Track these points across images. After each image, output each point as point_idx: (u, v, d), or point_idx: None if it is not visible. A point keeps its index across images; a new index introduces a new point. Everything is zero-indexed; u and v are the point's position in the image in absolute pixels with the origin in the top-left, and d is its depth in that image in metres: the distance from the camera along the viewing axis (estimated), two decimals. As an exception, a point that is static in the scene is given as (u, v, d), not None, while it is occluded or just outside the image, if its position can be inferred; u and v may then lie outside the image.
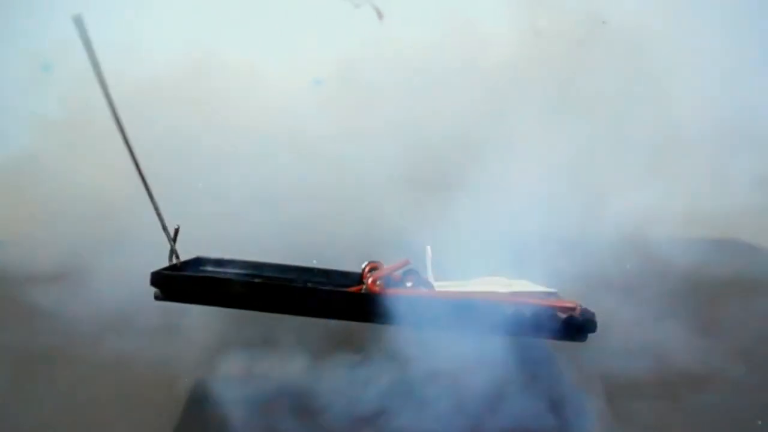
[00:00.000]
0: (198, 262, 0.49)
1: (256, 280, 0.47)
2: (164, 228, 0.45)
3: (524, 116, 0.65)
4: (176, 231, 0.45)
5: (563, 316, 0.46)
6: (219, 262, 0.50)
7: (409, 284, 0.47)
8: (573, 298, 0.46)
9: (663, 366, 0.47)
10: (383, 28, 0.70)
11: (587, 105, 0.68)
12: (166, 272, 0.45)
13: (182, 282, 0.44)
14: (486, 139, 0.65)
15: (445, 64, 0.70)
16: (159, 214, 0.43)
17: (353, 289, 0.47)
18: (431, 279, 0.48)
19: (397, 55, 0.69)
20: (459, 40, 0.70)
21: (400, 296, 0.44)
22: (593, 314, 0.46)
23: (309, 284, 0.49)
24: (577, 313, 0.46)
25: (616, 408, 0.42)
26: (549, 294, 0.48)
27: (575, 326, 0.46)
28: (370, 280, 0.45)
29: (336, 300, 0.45)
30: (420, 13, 0.70)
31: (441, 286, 0.48)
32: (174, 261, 0.46)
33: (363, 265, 0.48)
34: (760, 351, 0.49)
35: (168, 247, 0.46)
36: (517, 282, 0.50)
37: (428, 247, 0.47)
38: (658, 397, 0.45)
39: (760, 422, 0.39)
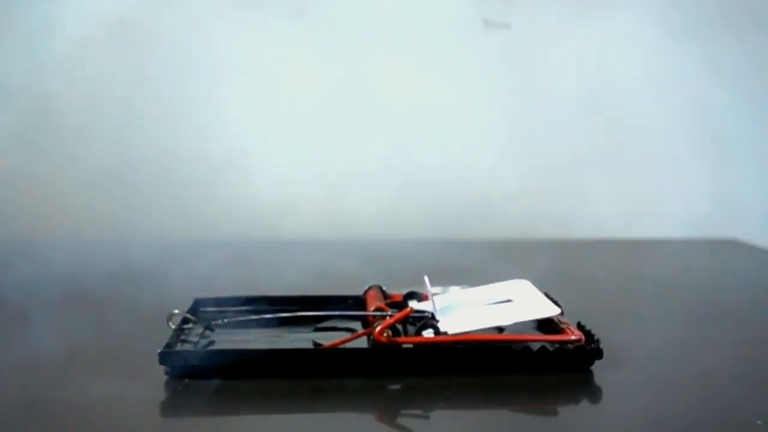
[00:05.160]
0: (197, 304, 0.52)
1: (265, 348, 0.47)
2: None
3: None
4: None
5: (571, 347, 0.46)
6: (218, 302, 0.53)
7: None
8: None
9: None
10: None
11: None
12: (176, 351, 0.45)
13: (195, 358, 0.45)
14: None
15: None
16: None
17: (359, 334, 0.48)
18: (435, 307, 0.48)
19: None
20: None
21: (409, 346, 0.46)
22: (598, 341, 0.45)
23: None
24: (583, 343, 0.45)
25: None
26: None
27: (583, 357, 0.45)
28: (377, 330, 0.47)
29: (349, 358, 0.46)
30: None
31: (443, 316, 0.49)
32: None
33: (363, 290, 0.54)
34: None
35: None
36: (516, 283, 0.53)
37: (425, 277, 0.48)
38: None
39: (759, 422, 0.36)
